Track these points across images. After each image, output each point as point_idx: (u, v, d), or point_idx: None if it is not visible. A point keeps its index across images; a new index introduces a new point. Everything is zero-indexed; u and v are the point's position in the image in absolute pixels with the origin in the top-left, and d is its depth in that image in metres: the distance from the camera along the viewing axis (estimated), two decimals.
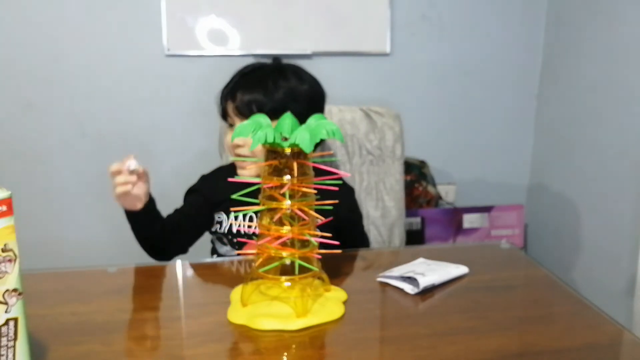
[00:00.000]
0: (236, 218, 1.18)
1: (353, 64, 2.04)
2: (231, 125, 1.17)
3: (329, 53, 2.00)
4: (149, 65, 1.92)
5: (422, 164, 2.04)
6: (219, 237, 1.22)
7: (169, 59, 1.92)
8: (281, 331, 0.76)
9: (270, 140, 0.76)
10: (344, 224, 1.03)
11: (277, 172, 0.79)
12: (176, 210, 1.21)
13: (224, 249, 1.22)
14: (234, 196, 0.83)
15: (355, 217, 1.27)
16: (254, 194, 0.82)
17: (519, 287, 0.95)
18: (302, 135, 0.74)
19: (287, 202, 0.78)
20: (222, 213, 1.20)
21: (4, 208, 0.60)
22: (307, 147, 0.74)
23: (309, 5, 1.95)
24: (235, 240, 1.18)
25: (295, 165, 0.78)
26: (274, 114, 1.05)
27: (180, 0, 1.88)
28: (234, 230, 1.18)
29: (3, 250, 0.60)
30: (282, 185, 0.78)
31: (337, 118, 1.51)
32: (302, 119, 1.05)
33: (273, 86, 1.13)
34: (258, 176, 1.12)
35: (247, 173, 1.15)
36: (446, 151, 2.18)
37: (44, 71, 1.87)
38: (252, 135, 0.77)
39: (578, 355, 0.72)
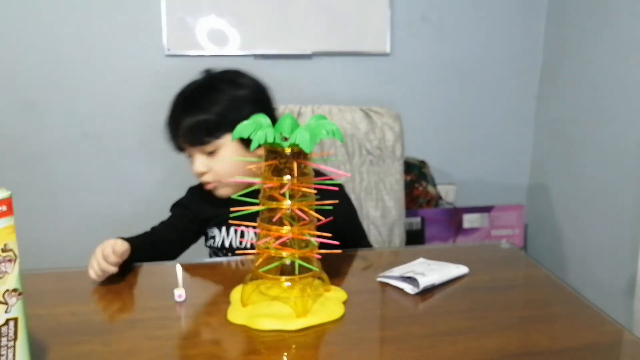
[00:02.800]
0: (228, 233, 1.17)
1: (353, 64, 2.04)
2: (188, 156, 1.12)
3: (329, 53, 2.00)
4: (149, 65, 1.92)
5: (422, 164, 2.04)
6: (215, 252, 1.21)
7: (169, 59, 1.92)
8: (281, 331, 0.76)
9: (270, 140, 0.76)
10: (343, 223, 1.02)
11: (277, 172, 0.79)
12: (163, 224, 1.18)
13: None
14: (234, 196, 0.83)
15: (353, 214, 1.26)
16: (252, 197, 0.82)
17: (519, 287, 0.95)
18: (302, 135, 0.74)
19: (287, 202, 0.78)
20: (215, 228, 1.18)
21: (4, 208, 0.60)
22: (307, 147, 0.74)
23: (309, 5, 1.95)
24: (229, 255, 1.17)
25: (295, 165, 0.78)
26: (220, 128, 1.07)
27: (180, 0, 1.88)
28: (227, 244, 1.17)
29: (3, 250, 0.60)
30: (282, 185, 0.78)
31: (337, 118, 1.51)
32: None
33: (209, 103, 1.08)
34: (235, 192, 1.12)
35: (224, 193, 1.12)
36: (446, 151, 2.18)
37: (44, 71, 1.87)
38: (252, 135, 0.77)
39: (578, 355, 0.72)
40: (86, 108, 1.92)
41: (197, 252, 1.24)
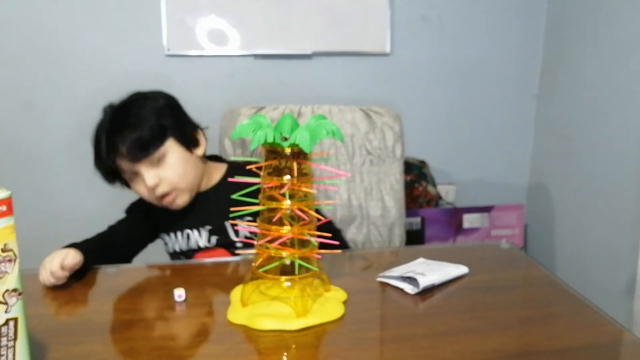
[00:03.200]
0: (176, 237, 1.18)
1: (353, 64, 2.04)
2: (134, 174, 1.11)
3: (329, 53, 2.00)
4: (149, 65, 1.92)
5: (422, 164, 2.04)
6: (172, 256, 1.23)
7: (169, 59, 1.92)
8: (281, 331, 0.76)
9: (270, 140, 0.76)
10: None
11: (277, 172, 0.79)
12: (121, 222, 1.19)
13: None
14: (234, 196, 0.83)
15: None
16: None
17: (519, 287, 0.95)
18: (302, 135, 0.74)
19: (287, 202, 0.78)
20: (165, 234, 1.21)
21: (4, 208, 0.60)
22: (307, 147, 0.74)
23: (309, 5, 1.95)
24: (182, 257, 1.19)
25: (295, 165, 0.78)
26: (159, 136, 1.09)
27: (180, 0, 1.88)
28: (177, 249, 1.19)
29: (3, 250, 0.60)
30: (282, 185, 0.78)
31: (337, 118, 1.51)
32: (186, 125, 1.15)
33: (137, 119, 1.10)
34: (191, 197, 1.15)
35: (181, 202, 1.14)
36: (446, 151, 2.18)
37: (44, 71, 1.87)
38: (252, 136, 0.77)
39: (578, 355, 0.72)
40: (86, 108, 1.91)
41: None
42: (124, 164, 1.10)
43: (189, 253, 1.19)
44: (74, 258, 0.92)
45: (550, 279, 0.97)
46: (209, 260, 1.09)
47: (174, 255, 1.21)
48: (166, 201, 1.12)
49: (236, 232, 1.17)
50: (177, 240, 1.18)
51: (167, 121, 1.12)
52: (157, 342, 0.75)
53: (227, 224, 1.16)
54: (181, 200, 1.14)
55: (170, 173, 1.10)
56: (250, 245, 1.13)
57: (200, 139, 1.19)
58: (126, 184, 1.16)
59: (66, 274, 0.91)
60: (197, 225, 1.17)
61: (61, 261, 0.91)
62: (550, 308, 0.86)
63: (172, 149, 1.11)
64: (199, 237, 1.17)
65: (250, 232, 1.16)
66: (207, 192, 1.20)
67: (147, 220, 1.21)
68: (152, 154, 1.08)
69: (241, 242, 1.16)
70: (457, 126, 2.18)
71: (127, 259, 1.16)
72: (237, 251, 1.16)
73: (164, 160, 1.10)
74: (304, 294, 0.80)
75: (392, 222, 1.53)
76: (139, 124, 1.09)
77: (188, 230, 1.18)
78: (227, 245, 1.17)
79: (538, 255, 2.18)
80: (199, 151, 1.18)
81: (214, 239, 1.16)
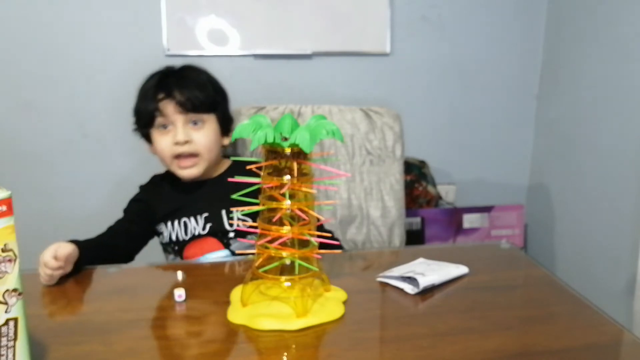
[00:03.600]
0: (173, 227, 1.20)
1: (353, 64, 2.04)
2: (164, 127, 1.18)
3: (329, 53, 2.00)
4: (149, 65, 1.91)
5: (422, 164, 2.04)
6: (165, 247, 1.24)
7: (169, 59, 1.92)
8: (281, 331, 0.76)
9: (270, 140, 0.76)
10: None
11: (277, 172, 0.79)
12: (120, 221, 1.21)
13: (170, 258, 1.24)
14: (234, 196, 0.83)
15: None
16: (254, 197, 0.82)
17: (519, 287, 0.95)
18: (302, 135, 0.74)
19: (287, 202, 0.78)
20: (162, 224, 1.22)
21: (4, 208, 0.60)
22: (307, 147, 0.74)
23: (309, 5, 1.95)
24: (176, 248, 1.20)
25: (295, 165, 0.78)
26: (211, 105, 1.19)
27: (180, 0, 1.88)
28: (173, 238, 1.20)
29: (3, 250, 0.60)
30: (282, 185, 0.78)
31: (337, 118, 1.52)
32: (226, 116, 1.23)
33: (201, 81, 1.21)
34: (200, 174, 1.19)
35: (195, 172, 1.18)
36: (446, 151, 2.18)
37: (44, 71, 1.87)
38: (252, 136, 0.77)
39: (578, 355, 0.72)
40: (86, 108, 1.92)
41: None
42: (169, 109, 1.15)
43: (182, 243, 1.20)
44: (66, 248, 0.93)
45: (550, 279, 0.97)
46: (209, 260, 1.09)
47: (167, 245, 1.22)
48: (183, 163, 1.17)
49: (230, 223, 1.19)
50: (174, 229, 1.20)
51: (219, 99, 1.23)
52: (157, 342, 0.75)
53: (223, 212, 1.19)
54: (196, 169, 1.18)
55: (202, 138, 1.17)
56: (242, 235, 1.14)
57: (230, 133, 1.26)
58: (148, 138, 1.22)
59: (60, 264, 0.91)
60: (194, 213, 1.20)
61: (54, 252, 0.91)
62: (550, 308, 0.86)
63: (212, 121, 1.20)
64: (196, 225, 1.19)
65: (244, 224, 1.18)
66: (209, 181, 1.24)
67: (146, 215, 1.22)
68: (200, 113, 1.17)
69: (235, 231, 1.18)
70: (457, 126, 2.18)
71: (130, 257, 1.17)
72: (231, 245, 1.17)
73: (201, 126, 1.18)
74: (304, 294, 0.80)
75: (392, 222, 1.53)
76: (199, 84, 1.19)
77: (185, 219, 1.20)
78: (219, 233, 1.18)
79: (538, 255, 2.18)
80: (225, 141, 1.26)
81: (208, 226, 1.19)
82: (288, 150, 0.78)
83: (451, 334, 0.76)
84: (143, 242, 1.22)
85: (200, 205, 1.21)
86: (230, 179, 0.89)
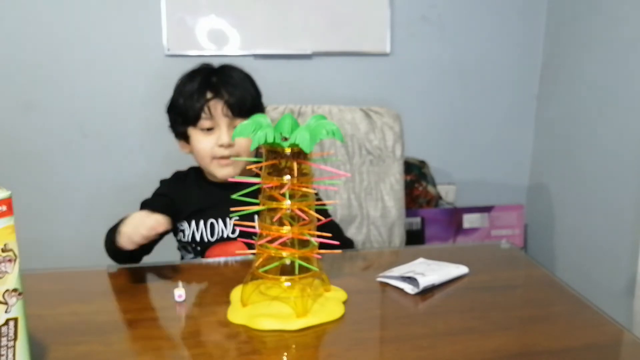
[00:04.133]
0: (197, 226, 1.18)
1: (353, 64, 2.04)
2: (210, 129, 1.15)
3: (329, 53, 2.00)
4: (149, 65, 1.92)
5: (422, 164, 2.04)
6: (184, 246, 1.22)
7: (169, 59, 1.92)
8: (281, 331, 0.76)
9: (270, 140, 0.76)
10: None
11: (277, 172, 0.79)
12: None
13: (188, 257, 1.22)
14: (234, 196, 0.83)
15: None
16: (248, 195, 0.82)
17: (519, 287, 0.96)
18: (302, 135, 0.74)
19: (287, 202, 0.78)
20: (184, 222, 1.20)
21: (4, 208, 0.60)
22: (307, 147, 0.74)
23: (309, 5, 1.95)
24: (198, 248, 1.19)
25: (295, 165, 0.78)
26: (256, 108, 1.16)
27: (180, 0, 1.88)
28: (197, 238, 1.18)
29: (3, 250, 0.60)
30: (282, 185, 0.78)
31: (337, 118, 1.51)
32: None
33: (248, 83, 1.19)
34: (241, 174, 1.15)
35: (233, 172, 1.16)
36: (446, 151, 2.18)
37: (44, 71, 1.87)
38: (252, 136, 0.77)
39: (578, 355, 0.72)
40: (86, 108, 1.92)
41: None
42: (217, 110, 1.13)
43: (206, 244, 1.18)
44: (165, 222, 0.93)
45: (550, 279, 0.97)
46: (208, 260, 1.09)
47: (187, 244, 1.20)
48: (223, 162, 1.15)
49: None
50: (198, 229, 1.18)
51: (259, 102, 1.22)
52: (157, 342, 0.75)
53: (255, 217, 1.17)
54: (234, 170, 1.16)
55: (244, 143, 1.15)
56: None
57: None
58: (183, 136, 1.20)
59: (167, 226, 0.93)
60: (222, 215, 1.18)
61: (157, 216, 0.92)
62: (550, 308, 0.86)
63: None
64: (224, 227, 1.18)
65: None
66: (239, 183, 1.21)
67: (170, 210, 1.17)
68: (244, 117, 1.12)
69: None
70: (457, 126, 2.18)
71: (148, 252, 1.15)
72: (238, 252, 1.15)
73: None
74: (304, 294, 0.80)
75: (392, 222, 1.53)
76: (244, 86, 1.18)
77: (212, 220, 1.18)
78: (248, 236, 1.16)
79: (538, 255, 2.18)
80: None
81: (238, 230, 1.17)
82: (288, 150, 0.78)
83: (451, 334, 0.76)
84: (161, 237, 1.21)
85: (229, 207, 1.19)
86: (230, 179, 0.90)
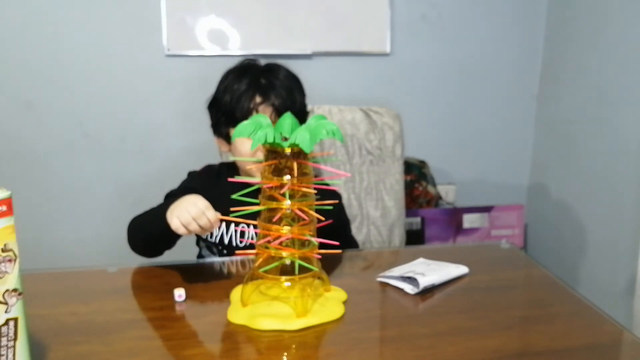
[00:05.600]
0: (227, 229, 1.14)
1: (353, 64, 2.04)
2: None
3: (329, 53, 2.00)
4: (149, 65, 1.92)
5: (422, 164, 2.04)
6: (208, 246, 1.18)
7: (169, 59, 1.92)
8: (281, 331, 0.76)
9: (270, 140, 0.76)
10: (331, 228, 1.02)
11: (277, 172, 0.79)
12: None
13: (211, 256, 1.19)
14: (234, 196, 0.83)
15: (340, 223, 1.23)
16: (253, 196, 0.82)
17: (519, 287, 0.96)
18: (302, 135, 0.75)
19: (287, 202, 0.78)
20: None
21: (4, 208, 0.60)
22: (307, 147, 0.74)
23: (309, 5, 1.95)
24: (225, 252, 1.15)
25: (295, 165, 0.78)
26: (300, 115, 1.09)
27: (180, 0, 1.88)
28: (225, 241, 1.15)
29: (3, 250, 0.60)
30: (282, 185, 0.78)
31: (337, 118, 1.51)
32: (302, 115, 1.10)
33: (291, 85, 1.14)
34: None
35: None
36: (446, 151, 2.18)
37: (44, 71, 1.87)
38: (252, 135, 0.77)
39: (578, 355, 0.72)
40: (86, 108, 1.92)
41: (194, 252, 1.24)
42: (265, 114, 1.04)
43: (233, 248, 1.14)
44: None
45: (550, 279, 0.97)
46: (208, 260, 1.09)
47: (213, 245, 1.16)
48: (248, 168, 1.11)
49: None
50: (228, 233, 1.14)
51: (305, 103, 1.17)
52: (157, 342, 0.75)
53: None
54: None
55: None
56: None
57: None
58: (226, 137, 1.15)
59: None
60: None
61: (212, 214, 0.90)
62: (550, 308, 0.86)
63: None
64: (255, 235, 1.11)
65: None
66: None
67: None
68: None
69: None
70: (457, 126, 2.18)
71: (170, 246, 1.12)
72: (238, 251, 1.13)
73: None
74: (304, 294, 0.80)
75: (392, 222, 1.53)
76: (292, 92, 1.13)
77: (244, 225, 1.14)
78: None
79: (538, 255, 2.18)
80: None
81: None
82: (288, 150, 0.78)
83: (451, 334, 0.76)
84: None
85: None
86: (230, 179, 0.89)
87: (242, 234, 1.14)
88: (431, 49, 2.09)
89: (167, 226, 0.90)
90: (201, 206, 0.89)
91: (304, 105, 1.16)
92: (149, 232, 1.00)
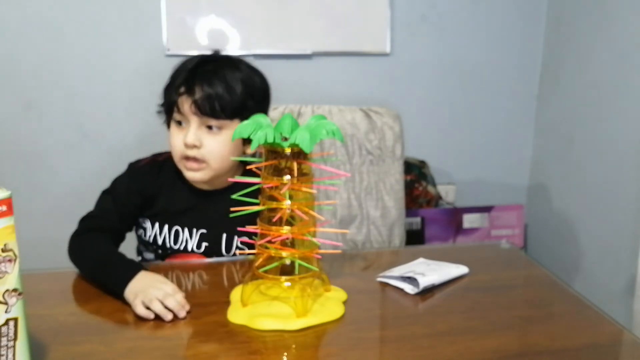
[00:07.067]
0: (161, 230, 1.10)
1: (353, 64, 2.04)
2: (179, 123, 1.05)
3: (329, 53, 2.00)
4: (149, 65, 1.92)
5: (422, 164, 2.04)
6: (144, 244, 1.14)
7: (169, 59, 1.92)
8: (281, 331, 0.76)
9: (270, 140, 0.76)
10: None
11: (277, 172, 0.79)
12: (104, 218, 1.10)
13: (148, 255, 1.15)
14: (234, 196, 0.83)
15: None
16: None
17: (519, 287, 0.96)
18: (302, 135, 0.75)
19: (287, 202, 0.78)
20: (148, 220, 1.12)
21: (4, 208, 0.60)
22: (307, 147, 0.74)
23: (309, 5, 1.95)
24: (159, 251, 1.11)
25: (295, 165, 0.78)
26: (235, 111, 1.03)
27: (180, 0, 1.88)
28: (159, 242, 1.11)
29: (3, 250, 0.60)
30: (282, 185, 0.78)
31: (337, 118, 1.51)
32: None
33: (233, 80, 1.04)
34: (209, 181, 1.07)
35: (199, 176, 1.05)
36: (446, 151, 2.18)
37: (44, 71, 1.87)
38: (252, 135, 0.77)
39: (578, 355, 0.72)
40: (86, 108, 1.92)
41: None
42: (185, 107, 1.02)
43: (168, 251, 1.11)
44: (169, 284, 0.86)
45: (550, 279, 0.97)
46: (208, 260, 1.09)
47: (149, 244, 1.13)
48: (189, 165, 1.04)
49: (228, 248, 1.11)
50: (162, 234, 1.10)
51: (250, 104, 1.05)
52: (157, 342, 0.75)
53: (224, 236, 1.10)
54: (202, 174, 1.05)
55: (214, 146, 1.03)
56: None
57: None
58: (169, 123, 1.09)
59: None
60: (191, 225, 1.10)
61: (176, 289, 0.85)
62: (550, 308, 0.86)
63: (232, 128, 1.00)
64: (189, 239, 1.10)
65: (241, 248, 1.10)
66: (216, 193, 1.11)
67: (138, 203, 1.11)
68: (217, 119, 1.02)
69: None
70: (457, 126, 2.18)
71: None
72: (239, 252, 1.12)
73: (218, 132, 1.03)
74: (304, 294, 0.80)
75: (392, 222, 1.53)
76: (228, 84, 1.03)
77: (178, 227, 1.10)
78: (214, 256, 1.10)
79: (538, 255, 2.18)
80: (248, 150, 1.08)
81: (204, 245, 1.10)
82: (288, 150, 0.78)
83: (451, 334, 0.76)
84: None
85: (201, 218, 1.10)
86: (230, 179, 0.89)
87: (177, 235, 1.10)
88: (431, 49, 2.09)
89: (118, 295, 0.86)
90: (169, 290, 0.84)
91: (243, 105, 1.04)
92: (95, 281, 0.94)
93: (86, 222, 1.11)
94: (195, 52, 1.89)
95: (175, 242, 1.10)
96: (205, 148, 1.03)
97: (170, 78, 1.09)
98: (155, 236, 1.11)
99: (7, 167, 1.89)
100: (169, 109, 1.07)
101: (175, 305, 0.82)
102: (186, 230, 1.10)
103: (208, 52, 1.14)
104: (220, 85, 1.02)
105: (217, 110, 1.01)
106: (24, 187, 1.89)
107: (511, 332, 0.78)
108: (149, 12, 1.88)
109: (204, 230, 1.10)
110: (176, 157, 1.07)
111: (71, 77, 1.89)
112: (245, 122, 0.80)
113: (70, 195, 1.96)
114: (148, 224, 1.12)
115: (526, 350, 0.72)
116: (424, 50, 2.08)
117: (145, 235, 1.13)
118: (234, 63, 1.08)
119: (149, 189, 1.11)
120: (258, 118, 0.81)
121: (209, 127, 1.03)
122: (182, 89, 1.03)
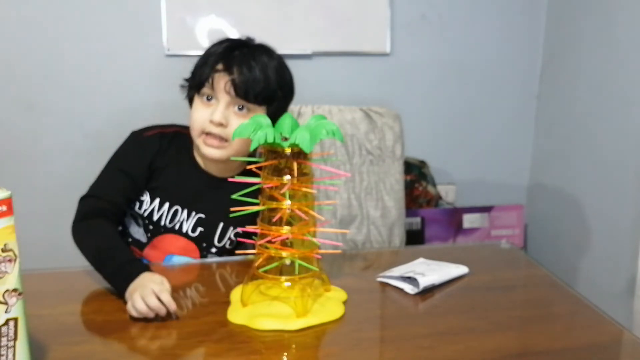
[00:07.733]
0: (160, 207, 1.09)
1: (353, 64, 2.04)
2: (208, 99, 1.05)
3: (329, 53, 2.00)
4: (149, 65, 1.92)
5: (422, 164, 2.04)
6: (134, 216, 1.12)
7: (169, 59, 1.92)
8: (281, 331, 0.76)
9: (270, 140, 0.76)
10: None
11: (277, 172, 0.79)
12: (116, 189, 1.09)
13: (135, 229, 1.12)
14: (234, 196, 0.83)
15: None
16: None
17: (519, 287, 0.96)
18: (302, 135, 0.75)
19: (287, 202, 0.78)
20: (147, 193, 1.10)
21: (4, 208, 0.60)
22: (307, 147, 0.74)
23: (309, 5, 1.95)
24: (150, 227, 1.10)
25: (295, 165, 0.78)
26: (267, 98, 1.04)
27: (180, 0, 1.88)
28: (154, 218, 1.09)
29: (3, 250, 0.60)
30: (282, 185, 0.78)
31: (337, 118, 1.51)
32: (279, 112, 1.01)
33: (270, 68, 1.06)
34: (224, 162, 1.07)
35: (218, 154, 1.05)
36: (446, 151, 2.18)
37: (44, 71, 1.87)
38: (252, 135, 0.77)
39: (578, 355, 0.72)
40: (86, 108, 1.91)
41: None
42: (220, 84, 1.03)
43: (160, 229, 1.09)
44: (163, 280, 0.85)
45: (550, 279, 0.97)
46: (208, 260, 1.09)
47: (140, 217, 1.11)
48: (210, 141, 1.04)
49: (220, 238, 1.11)
50: (159, 210, 1.09)
51: (279, 95, 1.08)
52: (157, 342, 0.75)
53: (220, 225, 1.10)
54: (221, 153, 1.05)
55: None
56: (225, 253, 1.08)
57: None
58: (191, 100, 1.10)
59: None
60: (191, 208, 1.09)
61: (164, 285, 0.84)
62: (550, 308, 0.86)
63: (259, 113, 1.02)
64: (186, 221, 1.09)
65: (230, 245, 1.11)
66: (221, 180, 1.11)
67: (142, 177, 1.10)
68: (248, 101, 1.03)
69: (217, 249, 1.11)
70: (457, 126, 2.18)
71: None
72: (238, 251, 1.12)
73: (245, 114, 1.04)
74: (304, 294, 0.80)
75: (392, 222, 1.53)
76: (263, 71, 1.04)
77: (178, 207, 1.09)
78: (205, 243, 1.10)
79: (538, 255, 2.18)
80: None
81: (199, 230, 1.09)
82: (288, 150, 0.78)
83: (451, 334, 0.76)
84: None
85: (202, 202, 1.10)
86: (230, 179, 0.89)
87: (175, 215, 1.09)
88: (431, 49, 2.09)
89: (120, 292, 0.87)
90: (156, 289, 0.82)
91: (274, 95, 1.06)
92: (100, 272, 0.94)
93: (88, 204, 1.11)
94: (195, 52, 1.91)
95: (171, 221, 1.09)
96: (231, 127, 1.03)
97: (204, 56, 1.09)
98: (152, 211, 1.10)
99: (7, 167, 1.89)
100: (199, 83, 1.06)
101: (155, 305, 0.80)
102: (185, 211, 1.10)
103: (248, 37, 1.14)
104: (258, 69, 1.04)
105: (251, 93, 1.03)
106: (24, 187, 1.89)
107: (511, 332, 0.78)
108: (149, 12, 1.88)
109: (202, 215, 1.10)
110: (196, 132, 1.07)
111: (71, 77, 1.89)
112: (245, 122, 0.80)
113: (70, 195, 1.96)
114: (146, 197, 1.10)
115: (526, 350, 0.72)
116: (424, 50, 2.08)
117: (140, 208, 1.11)
118: (270, 52, 1.10)
119: (156, 161, 1.11)
120: (258, 118, 0.81)
121: (240, 108, 1.04)
122: (220, 66, 1.04)
